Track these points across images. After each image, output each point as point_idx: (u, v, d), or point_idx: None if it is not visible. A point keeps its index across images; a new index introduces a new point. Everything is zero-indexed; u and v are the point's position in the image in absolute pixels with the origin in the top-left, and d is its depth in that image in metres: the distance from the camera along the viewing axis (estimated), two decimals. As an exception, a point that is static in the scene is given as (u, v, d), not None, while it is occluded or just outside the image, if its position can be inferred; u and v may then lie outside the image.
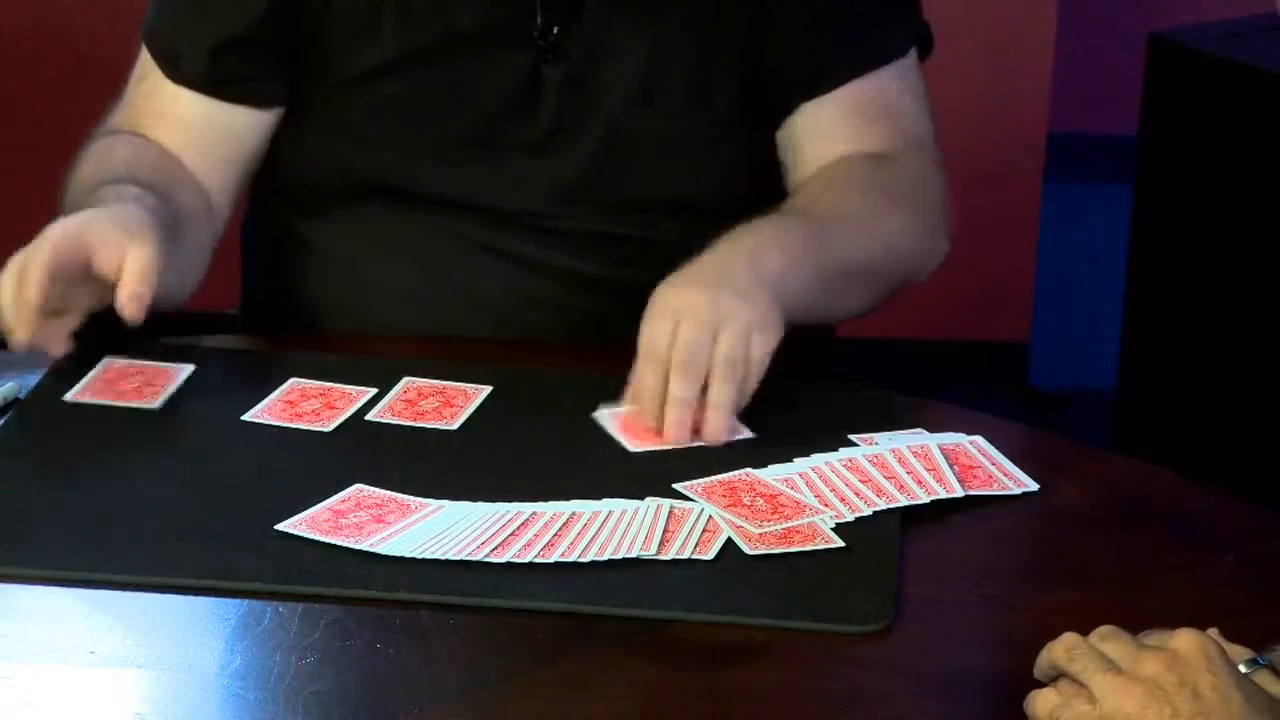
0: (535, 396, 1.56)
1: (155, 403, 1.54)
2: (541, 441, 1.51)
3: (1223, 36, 2.82)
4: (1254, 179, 2.74)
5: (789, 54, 1.72)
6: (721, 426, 1.50)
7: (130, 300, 1.49)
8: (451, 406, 1.55)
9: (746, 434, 1.51)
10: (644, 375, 1.51)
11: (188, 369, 1.59)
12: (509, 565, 1.34)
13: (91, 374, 1.57)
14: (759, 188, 1.75)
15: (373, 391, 1.56)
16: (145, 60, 1.78)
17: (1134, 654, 1.16)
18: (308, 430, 1.51)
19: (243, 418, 1.52)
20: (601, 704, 1.23)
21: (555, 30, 1.69)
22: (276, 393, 1.55)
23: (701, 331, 1.50)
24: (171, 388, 1.56)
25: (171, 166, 1.72)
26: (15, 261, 1.52)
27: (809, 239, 1.62)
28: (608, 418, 1.52)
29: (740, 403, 1.51)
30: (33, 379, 1.56)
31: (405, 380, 1.58)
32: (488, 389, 1.57)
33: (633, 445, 1.50)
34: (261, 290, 1.87)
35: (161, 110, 1.75)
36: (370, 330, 1.74)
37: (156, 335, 1.62)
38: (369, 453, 1.49)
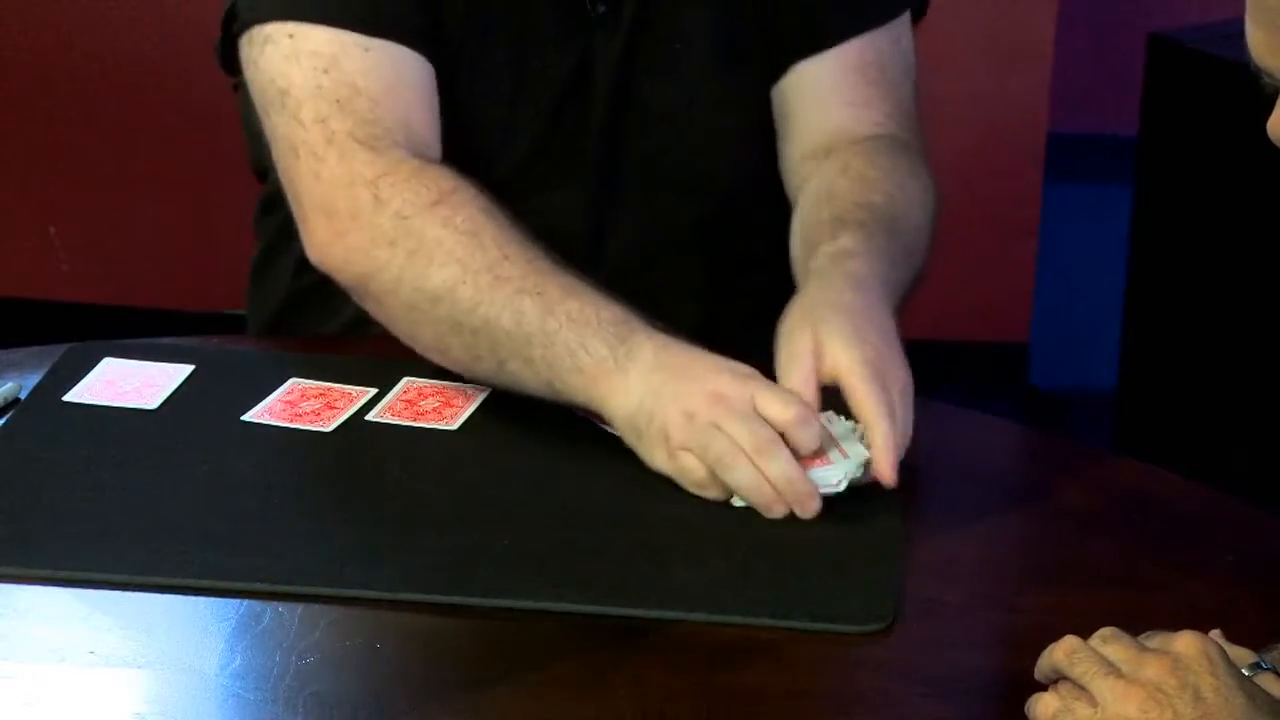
0: (535, 397, 1.56)
1: (154, 403, 1.54)
2: (541, 442, 1.51)
3: (1222, 36, 2.82)
4: (1253, 179, 2.74)
5: (788, 13, 1.71)
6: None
7: None
8: (451, 407, 1.55)
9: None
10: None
11: (186, 369, 1.59)
12: (509, 566, 1.34)
13: (91, 374, 1.57)
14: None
15: (373, 391, 1.56)
16: (330, 65, 1.61)
17: (1135, 657, 1.16)
18: (307, 430, 1.51)
19: (243, 418, 1.52)
20: (602, 704, 1.23)
21: (603, 8, 1.67)
22: (276, 393, 1.55)
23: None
24: (171, 388, 1.56)
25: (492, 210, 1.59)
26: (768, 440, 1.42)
27: (891, 282, 1.59)
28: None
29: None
30: (33, 379, 1.56)
31: (405, 380, 1.58)
32: (487, 390, 1.57)
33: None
34: (278, 298, 1.83)
35: (399, 82, 1.61)
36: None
37: (156, 335, 1.62)
38: (369, 453, 1.49)
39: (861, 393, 1.46)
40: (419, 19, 1.64)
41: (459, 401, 1.55)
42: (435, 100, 1.65)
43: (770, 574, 1.35)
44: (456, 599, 1.31)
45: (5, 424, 1.51)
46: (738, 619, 1.30)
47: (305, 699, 1.21)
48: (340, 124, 1.59)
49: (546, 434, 1.52)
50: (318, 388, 1.56)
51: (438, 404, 1.55)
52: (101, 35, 3.22)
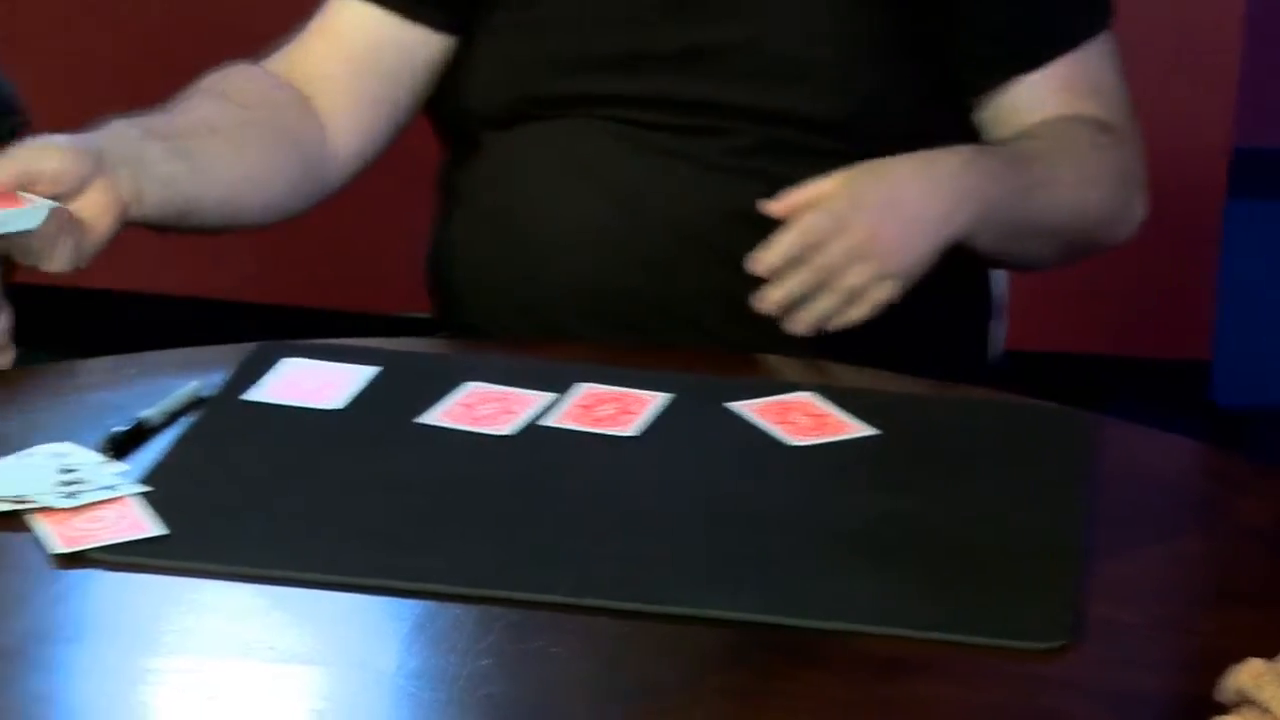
0: (712, 404, 1.56)
1: (337, 403, 1.56)
2: (717, 449, 1.51)
3: None
4: None
5: (987, 36, 1.78)
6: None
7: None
8: (629, 413, 1.55)
9: (872, 430, 1.53)
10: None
11: (371, 370, 1.61)
12: (685, 573, 1.34)
13: (274, 373, 1.60)
14: (915, 116, 1.78)
15: (550, 396, 1.57)
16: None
17: (1324, 682, 1.14)
18: (484, 434, 1.52)
19: (421, 420, 1.54)
20: (774, 715, 1.23)
21: None
22: (455, 395, 1.57)
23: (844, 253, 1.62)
24: (354, 389, 1.58)
25: (256, 85, 1.77)
26: None
27: (1016, 190, 1.71)
28: (747, 412, 1.55)
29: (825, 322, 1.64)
30: (216, 378, 1.59)
31: (582, 386, 1.58)
32: (666, 395, 1.57)
33: (791, 439, 1.52)
34: (447, 271, 1.88)
35: (325, 24, 1.81)
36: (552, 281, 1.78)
37: (340, 336, 1.64)
38: (545, 457, 1.50)
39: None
40: None
41: (636, 408, 1.56)
42: (397, 77, 1.79)
43: (944, 587, 1.34)
44: (634, 605, 1.31)
45: (192, 424, 1.53)
46: (913, 632, 1.29)
47: (480, 700, 1.22)
48: None
49: (723, 442, 1.52)
50: (496, 391, 1.58)
51: (614, 410, 1.55)
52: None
